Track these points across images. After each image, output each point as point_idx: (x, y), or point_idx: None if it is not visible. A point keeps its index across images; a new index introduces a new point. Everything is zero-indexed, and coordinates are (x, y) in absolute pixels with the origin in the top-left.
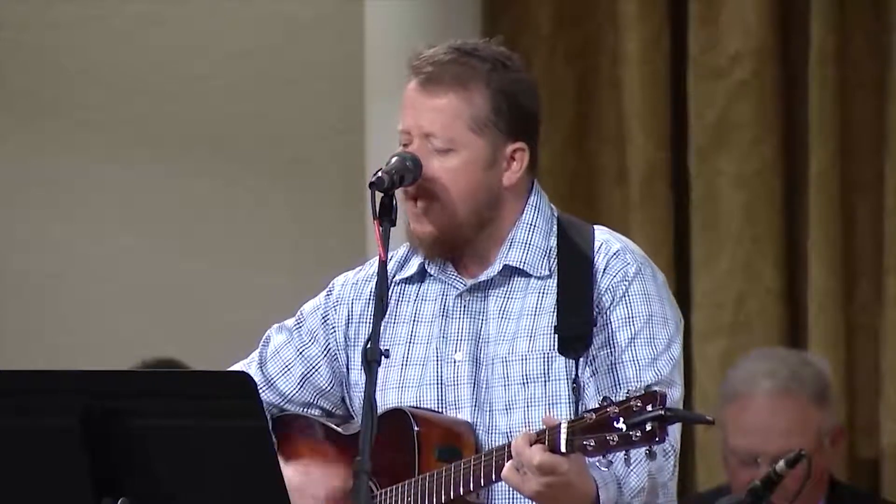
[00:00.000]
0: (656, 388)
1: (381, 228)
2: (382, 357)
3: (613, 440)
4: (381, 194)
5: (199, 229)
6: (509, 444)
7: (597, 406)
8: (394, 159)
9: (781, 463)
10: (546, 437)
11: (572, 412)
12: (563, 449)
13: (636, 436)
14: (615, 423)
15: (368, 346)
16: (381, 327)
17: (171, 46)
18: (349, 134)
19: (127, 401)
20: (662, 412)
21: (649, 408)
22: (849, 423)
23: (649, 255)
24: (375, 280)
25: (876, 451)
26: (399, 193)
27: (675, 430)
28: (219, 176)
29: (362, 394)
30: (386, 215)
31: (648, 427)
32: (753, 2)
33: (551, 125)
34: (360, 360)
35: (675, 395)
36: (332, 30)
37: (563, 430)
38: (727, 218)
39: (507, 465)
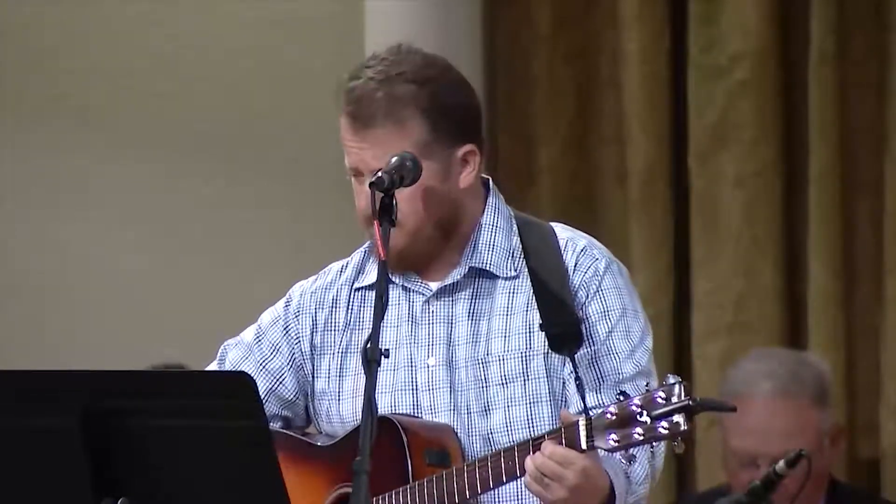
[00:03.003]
0: (679, 380)
1: (381, 228)
2: (382, 357)
3: (638, 434)
4: (381, 194)
5: (199, 229)
6: (508, 448)
7: (617, 402)
8: (394, 159)
9: (781, 463)
10: (562, 434)
11: (553, 410)
12: (583, 446)
13: (663, 428)
14: (639, 417)
15: (368, 345)
16: (348, 334)
17: (171, 46)
18: None
19: (127, 401)
20: (689, 402)
21: (674, 399)
22: (849, 423)
23: (649, 255)
24: (337, 286)
25: (876, 451)
26: (360, 218)
27: None
28: (219, 176)
29: (331, 400)
30: (386, 215)
31: (675, 418)
32: (753, 2)
33: (551, 125)
34: (327, 368)
35: (654, 384)
36: (332, 30)
37: (582, 428)
38: (727, 218)
39: (527, 476)
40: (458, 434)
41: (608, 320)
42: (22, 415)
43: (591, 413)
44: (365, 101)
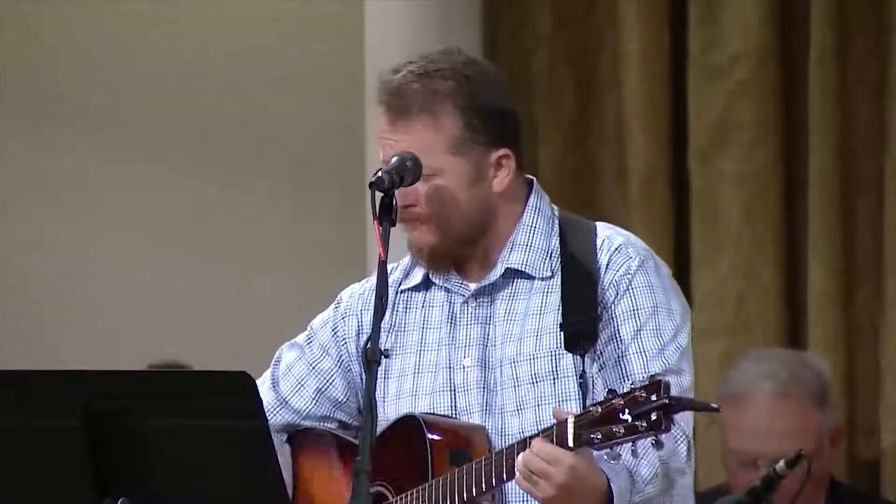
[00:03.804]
0: (660, 377)
1: (381, 228)
2: (382, 358)
3: (620, 432)
4: (381, 194)
5: (200, 229)
6: (517, 443)
7: (602, 399)
8: (394, 159)
9: (781, 463)
10: (553, 432)
11: (582, 409)
12: (570, 443)
13: (642, 426)
14: (621, 414)
15: (368, 346)
16: (392, 336)
17: (171, 46)
18: (349, 134)
19: (128, 400)
20: (667, 401)
21: (653, 397)
22: (849, 424)
23: None
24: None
25: (876, 452)
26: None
27: (687, 416)
28: (219, 176)
29: (379, 401)
30: (386, 215)
31: (654, 416)
32: (753, 2)
33: (551, 125)
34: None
35: (684, 383)
36: (332, 30)
37: (570, 425)
38: (727, 218)
39: (518, 474)
40: (491, 435)
41: (637, 319)
42: (23, 415)
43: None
44: (402, 92)
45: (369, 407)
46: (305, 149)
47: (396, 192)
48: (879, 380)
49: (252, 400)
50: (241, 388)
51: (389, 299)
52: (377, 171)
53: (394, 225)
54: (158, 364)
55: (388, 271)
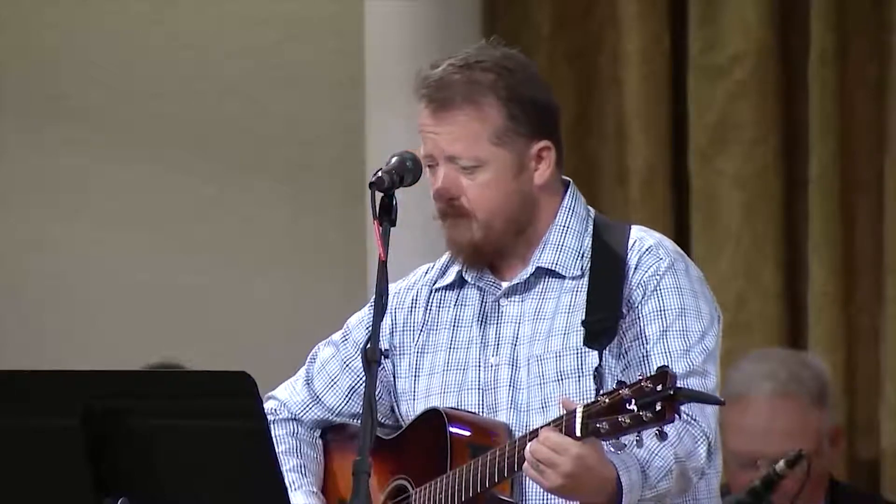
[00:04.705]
0: (666, 368)
1: (381, 228)
2: (383, 357)
3: (625, 422)
4: (381, 194)
5: (199, 229)
6: (528, 433)
7: (610, 390)
8: (394, 159)
9: (781, 463)
10: (563, 422)
11: None
12: (578, 433)
13: (647, 416)
14: (627, 404)
15: (368, 346)
16: (425, 334)
17: (170, 46)
18: (349, 134)
19: (127, 401)
20: (671, 391)
21: (659, 388)
22: (849, 423)
23: None
24: (418, 287)
25: (876, 451)
26: (433, 211)
27: (709, 417)
28: (219, 176)
29: (408, 401)
30: (386, 215)
31: (658, 406)
32: (753, 2)
33: None
34: (406, 368)
35: (708, 385)
36: (332, 30)
37: (579, 415)
38: (727, 218)
39: (526, 463)
40: (516, 432)
41: (664, 319)
42: (22, 415)
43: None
44: (444, 84)
45: (369, 407)
46: (305, 149)
47: (435, 187)
48: (879, 380)
49: (252, 400)
50: (240, 388)
51: (423, 297)
52: (377, 171)
53: (393, 225)
54: (155, 366)
55: (425, 271)
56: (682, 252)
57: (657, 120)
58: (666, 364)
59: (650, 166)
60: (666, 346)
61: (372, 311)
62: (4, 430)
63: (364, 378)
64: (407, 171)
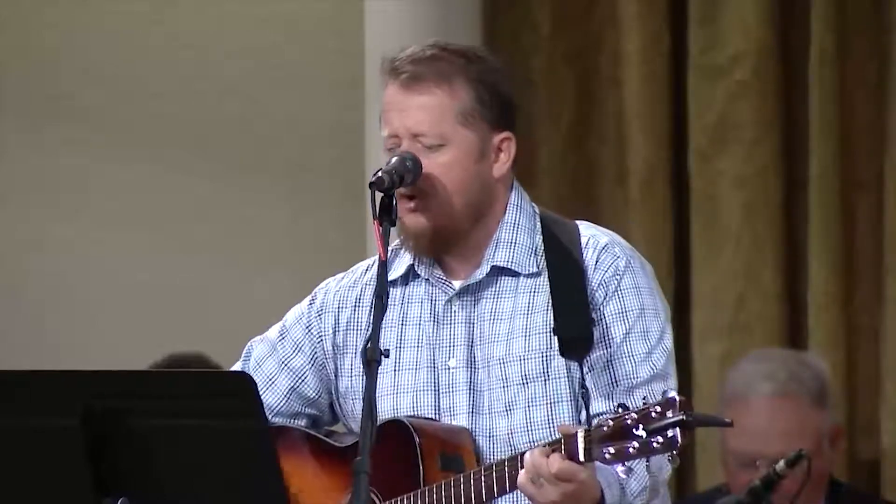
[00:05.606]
0: (674, 394)
1: (381, 228)
2: (382, 357)
3: (633, 448)
4: (381, 194)
5: (199, 229)
6: (520, 455)
7: (613, 415)
8: (394, 159)
9: (781, 463)
10: (562, 446)
11: (573, 410)
12: (581, 458)
13: (657, 443)
14: (634, 430)
15: (368, 345)
16: (367, 333)
17: (170, 46)
18: (349, 134)
19: (127, 401)
20: (684, 417)
21: (669, 413)
22: (849, 423)
23: (649, 255)
24: (361, 285)
25: (876, 451)
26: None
27: None
28: (219, 176)
29: (355, 399)
30: (386, 215)
31: (670, 433)
32: (753, 2)
33: (551, 125)
34: (352, 365)
35: (670, 386)
36: (332, 30)
37: (581, 440)
38: (727, 218)
39: (522, 475)
40: (477, 436)
41: (625, 321)
42: (22, 415)
43: (592, 423)
44: (416, 59)
45: (369, 407)
46: (305, 149)
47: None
48: (879, 380)
49: (252, 400)
50: (240, 388)
51: (367, 297)
52: (377, 171)
53: (394, 225)
54: (177, 356)
55: (366, 268)
56: (633, 248)
57: (657, 120)
58: (632, 368)
59: (650, 166)
60: (630, 349)
61: (309, 309)
62: (4, 430)
63: (303, 377)
64: (407, 171)
